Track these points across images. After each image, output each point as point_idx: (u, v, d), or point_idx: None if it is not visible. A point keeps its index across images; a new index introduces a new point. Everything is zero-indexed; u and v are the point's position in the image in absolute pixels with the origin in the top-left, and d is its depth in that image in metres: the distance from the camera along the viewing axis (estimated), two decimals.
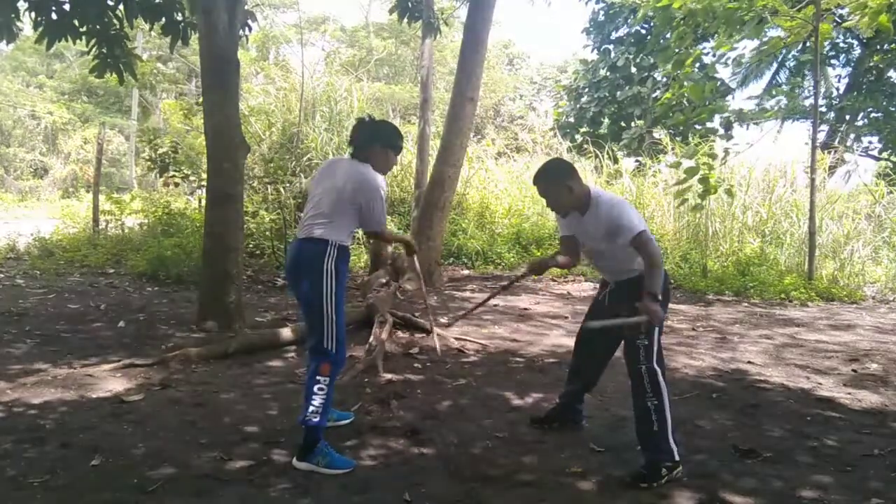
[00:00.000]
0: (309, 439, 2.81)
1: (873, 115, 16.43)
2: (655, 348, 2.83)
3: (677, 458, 2.77)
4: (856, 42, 17.17)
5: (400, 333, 5.47)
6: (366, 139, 3.00)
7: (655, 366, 2.81)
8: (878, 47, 16.31)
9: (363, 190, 2.89)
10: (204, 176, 7.90)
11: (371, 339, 4.94)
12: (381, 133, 3.04)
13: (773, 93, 16.43)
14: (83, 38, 6.42)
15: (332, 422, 3.33)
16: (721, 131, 8.59)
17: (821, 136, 14.11)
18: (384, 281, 7.42)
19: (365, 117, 3.12)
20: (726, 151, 9.22)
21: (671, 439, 2.77)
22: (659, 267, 2.79)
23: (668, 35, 9.16)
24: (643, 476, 2.73)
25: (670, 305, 8.07)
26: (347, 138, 3.10)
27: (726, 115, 8.92)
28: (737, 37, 8.52)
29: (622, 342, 2.99)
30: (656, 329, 2.83)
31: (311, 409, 2.79)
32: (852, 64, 17.73)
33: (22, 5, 6.17)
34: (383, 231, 3.05)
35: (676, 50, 8.52)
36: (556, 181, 2.90)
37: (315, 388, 2.80)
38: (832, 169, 13.55)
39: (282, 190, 10.92)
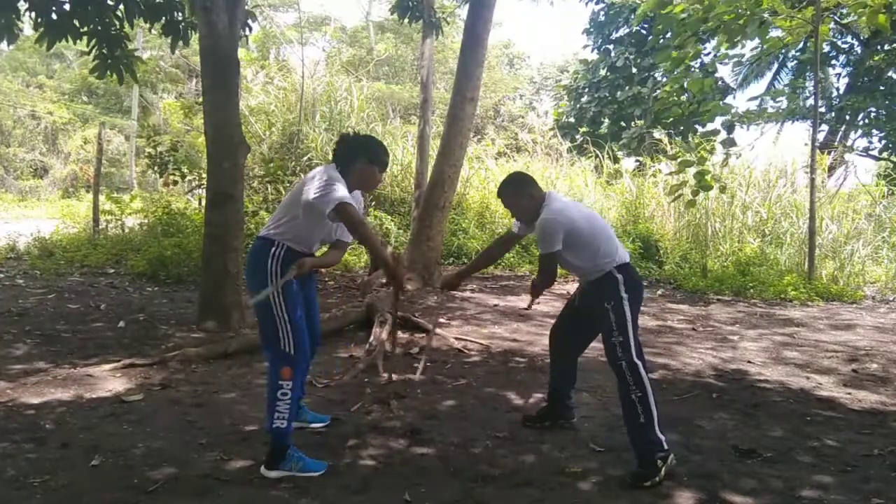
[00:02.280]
0: (277, 446, 2.73)
1: (873, 114, 16.41)
2: (632, 342, 2.88)
3: (666, 446, 2.79)
4: (856, 42, 17.16)
5: (400, 333, 5.47)
6: (351, 154, 2.90)
7: (636, 359, 2.86)
8: (878, 47, 16.30)
9: (310, 180, 2.75)
10: (204, 175, 7.90)
11: (371, 339, 4.94)
12: (366, 148, 2.94)
13: (773, 94, 16.42)
14: (83, 38, 6.42)
15: (306, 424, 3.26)
16: (723, 134, 8.57)
17: (821, 137, 14.11)
18: (384, 281, 7.41)
19: (349, 132, 3.06)
20: (727, 153, 9.23)
21: (658, 430, 2.80)
22: (543, 283, 3.13)
23: (668, 34, 9.15)
24: (642, 474, 2.74)
25: (670, 305, 8.05)
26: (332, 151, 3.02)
27: (727, 116, 8.91)
28: (737, 40, 8.52)
29: (594, 338, 3.14)
30: (628, 324, 2.90)
31: (277, 414, 2.71)
32: (852, 64, 17.72)
33: (22, 5, 6.17)
34: (345, 208, 2.63)
35: (675, 51, 8.51)
36: (518, 192, 3.11)
37: (279, 394, 2.71)
38: (832, 169, 13.55)
39: (282, 190, 10.92)
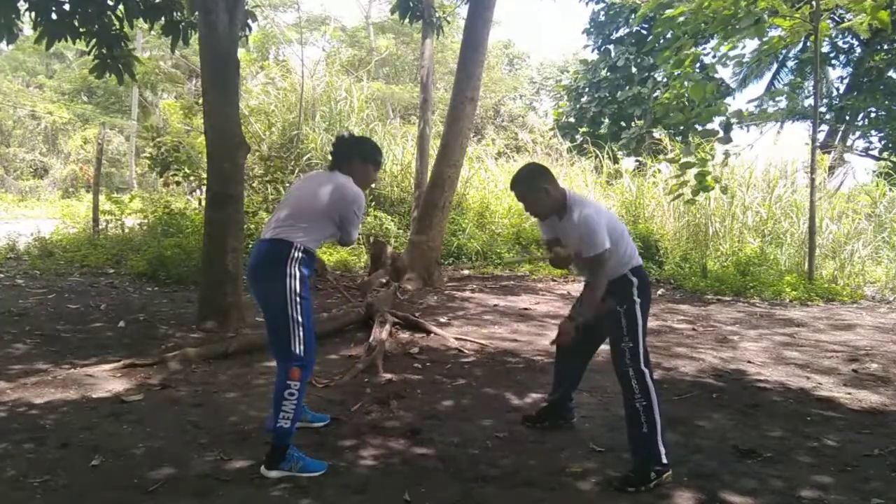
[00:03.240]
0: (279, 445, 2.74)
1: (874, 114, 16.42)
2: (641, 350, 2.81)
3: (665, 461, 2.72)
4: (856, 42, 17.16)
5: (400, 334, 5.47)
6: (345, 154, 3.00)
7: (643, 367, 2.79)
8: (879, 47, 16.30)
9: (342, 200, 2.87)
10: (204, 176, 7.90)
11: (371, 339, 4.94)
12: (360, 148, 3.06)
13: (773, 94, 16.44)
14: (83, 38, 6.42)
15: (307, 423, 3.28)
16: (721, 133, 8.59)
17: (821, 136, 14.11)
18: (384, 281, 7.42)
19: (344, 133, 3.14)
20: (726, 153, 9.24)
21: (660, 442, 2.73)
22: (594, 293, 2.83)
23: (668, 35, 9.16)
24: (631, 479, 2.70)
25: (670, 305, 8.05)
26: (329, 153, 3.12)
27: (726, 116, 8.92)
28: (735, 38, 8.53)
29: (603, 341, 3.02)
30: (639, 330, 2.83)
31: (283, 414, 2.73)
32: (852, 64, 17.72)
33: (22, 5, 6.17)
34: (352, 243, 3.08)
35: (675, 53, 8.52)
36: (532, 185, 2.90)
37: (286, 394, 2.74)
38: (832, 169, 13.55)
39: (282, 190, 10.92)
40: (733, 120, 9.36)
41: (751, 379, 4.51)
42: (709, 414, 3.70)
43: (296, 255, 2.80)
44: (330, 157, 3.06)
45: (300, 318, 2.78)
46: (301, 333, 2.78)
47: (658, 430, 2.73)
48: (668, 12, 8.22)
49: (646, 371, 2.79)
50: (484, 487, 2.70)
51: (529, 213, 3.05)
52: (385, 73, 27.98)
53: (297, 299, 2.78)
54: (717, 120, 9.02)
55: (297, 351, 2.77)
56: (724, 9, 7.84)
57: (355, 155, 3.01)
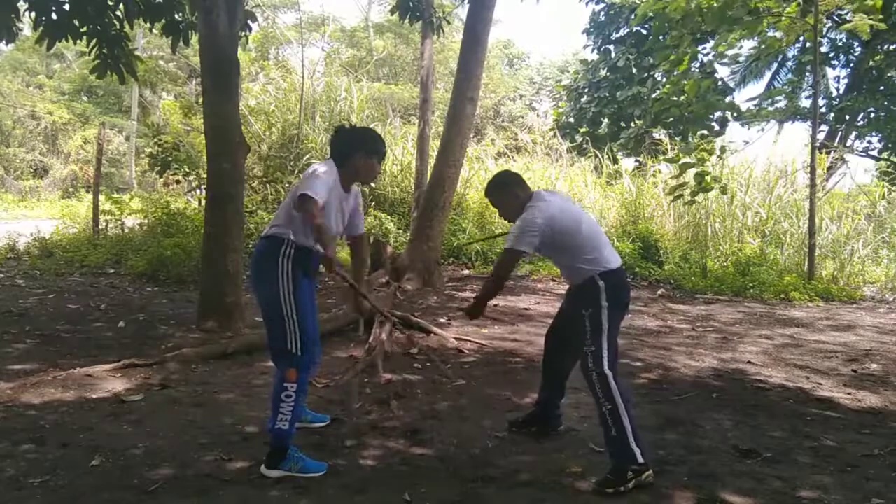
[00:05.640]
0: (278, 446, 2.72)
1: (873, 115, 16.39)
2: (605, 353, 2.80)
3: (641, 460, 2.70)
4: (856, 42, 17.15)
5: (400, 334, 5.46)
6: (348, 148, 2.89)
7: (606, 370, 2.78)
8: (879, 48, 16.29)
9: (303, 177, 2.78)
10: (204, 175, 7.90)
11: (371, 339, 4.94)
12: (362, 141, 2.92)
13: (772, 94, 16.44)
14: (83, 38, 6.43)
15: (307, 423, 3.26)
16: (716, 127, 8.60)
17: (820, 136, 14.10)
18: (384, 281, 7.42)
19: (344, 125, 3.04)
20: (723, 149, 9.24)
21: (632, 443, 2.71)
22: (489, 289, 3.06)
23: (667, 35, 9.18)
24: (608, 481, 2.68)
25: (670, 305, 8.04)
26: (328, 144, 3.03)
27: (721, 112, 8.93)
28: (735, 35, 8.54)
29: None
30: (603, 335, 2.82)
31: (280, 416, 2.69)
32: (852, 64, 17.71)
33: (22, 5, 6.18)
34: (306, 202, 2.54)
35: (674, 52, 8.54)
36: (502, 191, 3.11)
37: (282, 395, 2.70)
38: (831, 169, 13.56)
39: (281, 190, 10.93)
40: (728, 114, 9.38)
41: (751, 379, 4.51)
42: (709, 414, 3.70)
43: (287, 251, 2.75)
44: (329, 149, 2.96)
45: (295, 317, 2.72)
46: (297, 332, 2.72)
47: (628, 432, 2.72)
48: (662, 4, 8.22)
49: (609, 374, 2.77)
50: (484, 487, 2.70)
51: (502, 216, 3.21)
52: (385, 74, 27.96)
53: (291, 297, 2.72)
54: (715, 116, 9.03)
55: (294, 350, 2.72)
56: (718, 3, 7.83)
57: (358, 149, 2.89)
